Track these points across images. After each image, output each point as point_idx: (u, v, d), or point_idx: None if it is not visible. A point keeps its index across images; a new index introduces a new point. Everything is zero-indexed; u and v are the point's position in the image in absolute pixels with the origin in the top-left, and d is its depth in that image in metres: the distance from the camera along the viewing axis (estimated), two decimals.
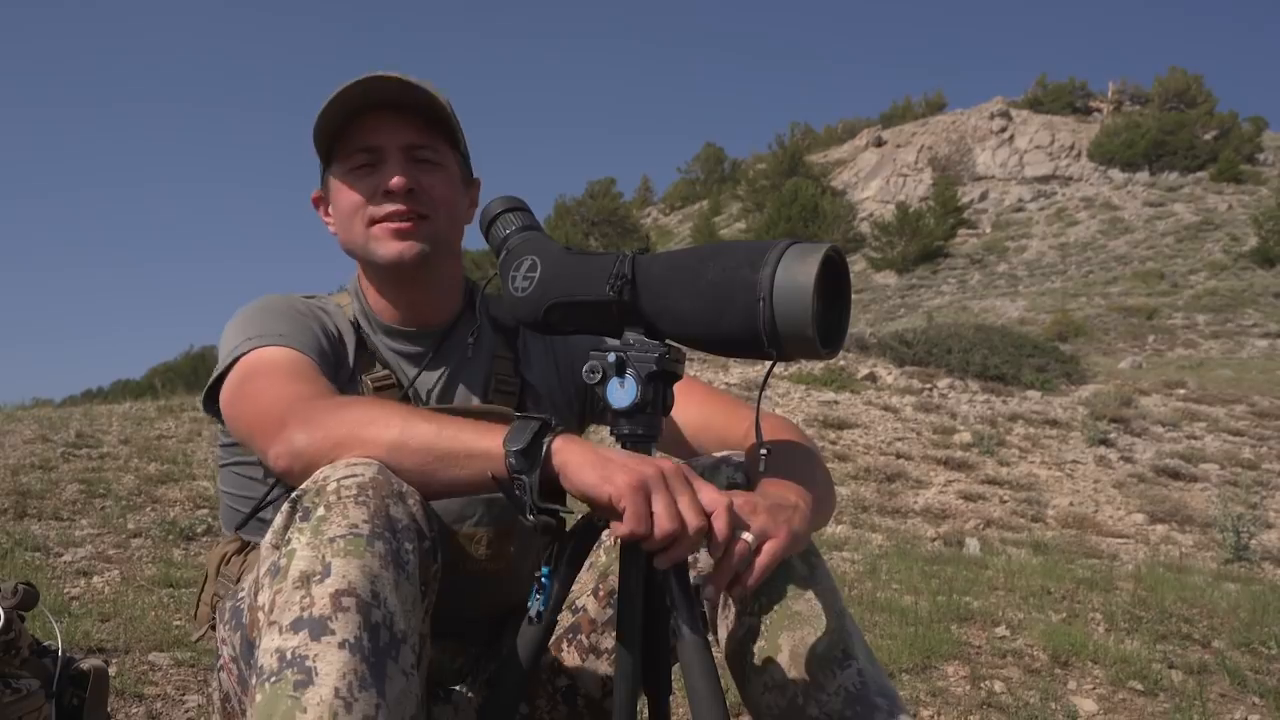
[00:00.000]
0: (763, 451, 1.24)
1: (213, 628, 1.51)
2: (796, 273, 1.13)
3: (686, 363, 1.30)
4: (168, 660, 2.45)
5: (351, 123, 1.47)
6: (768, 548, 1.17)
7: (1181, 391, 12.28)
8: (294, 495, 1.14)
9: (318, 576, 1.05)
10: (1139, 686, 2.84)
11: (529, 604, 1.20)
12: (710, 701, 1.16)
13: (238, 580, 1.47)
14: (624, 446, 1.22)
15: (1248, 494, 7.83)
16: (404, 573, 1.10)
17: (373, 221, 1.47)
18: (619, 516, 1.08)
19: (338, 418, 1.21)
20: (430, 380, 1.54)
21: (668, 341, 1.24)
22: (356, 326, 1.53)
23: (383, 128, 1.46)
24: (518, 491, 1.10)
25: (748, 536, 1.15)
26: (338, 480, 1.12)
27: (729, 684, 1.32)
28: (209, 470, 5.34)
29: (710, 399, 1.57)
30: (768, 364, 1.22)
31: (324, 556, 1.06)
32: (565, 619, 1.50)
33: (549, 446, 1.11)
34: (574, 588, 1.49)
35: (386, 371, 1.51)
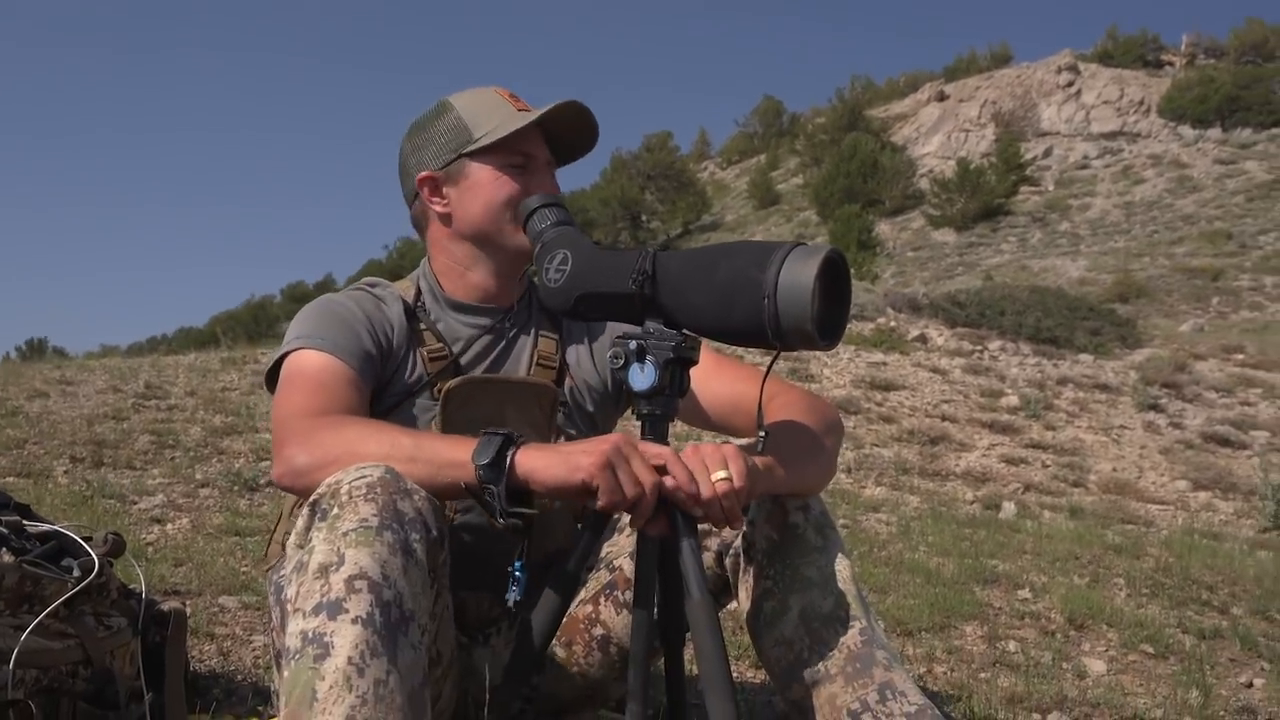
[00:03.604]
0: (761, 434, 1.40)
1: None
2: (798, 273, 1.27)
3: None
4: (236, 603, 2.66)
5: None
6: (735, 473, 1.30)
7: (1239, 356, 12.10)
8: (312, 500, 1.31)
9: (334, 566, 1.22)
10: (1150, 650, 2.94)
11: (506, 596, 1.36)
12: (713, 655, 1.31)
13: None
14: (644, 425, 1.39)
15: None
16: (412, 559, 1.26)
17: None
18: (595, 496, 1.26)
19: (333, 437, 1.39)
20: (482, 350, 1.71)
21: (684, 331, 1.38)
22: (413, 307, 1.70)
23: (542, 142, 1.70)
24: (488, 498, 1.27)
25: (721, 474, 1.30)
26: (349, 482, 1.29)
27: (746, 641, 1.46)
28: (270, 424, 5.58)
29: (745, 378, 1.71)
30: (773, 353, 1.37)
31: (339, 548, 1.23)
32: (603, 576, 1.67)
33: (512, 459, 1.28)
34: (612, 549, 1.70)
35: (440, 344, 1.68)
